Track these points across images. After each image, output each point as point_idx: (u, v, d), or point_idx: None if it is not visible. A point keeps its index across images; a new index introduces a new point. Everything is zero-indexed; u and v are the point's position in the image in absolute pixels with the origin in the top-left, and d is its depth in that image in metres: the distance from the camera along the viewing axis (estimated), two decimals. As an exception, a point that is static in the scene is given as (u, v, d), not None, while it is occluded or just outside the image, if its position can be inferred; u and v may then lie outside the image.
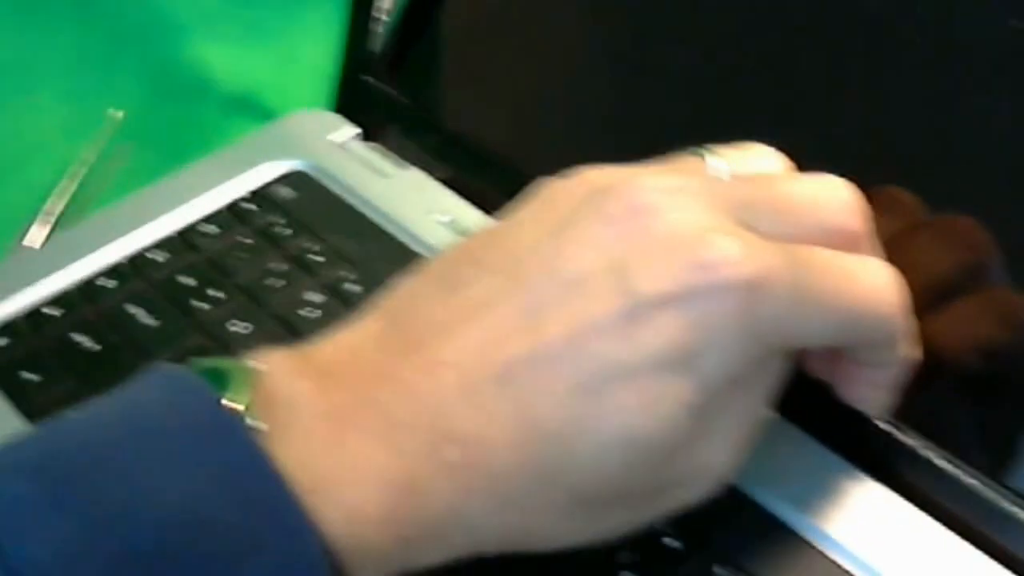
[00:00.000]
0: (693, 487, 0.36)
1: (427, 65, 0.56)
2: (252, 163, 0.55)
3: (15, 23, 0.69)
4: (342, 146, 0.56)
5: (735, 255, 0.34)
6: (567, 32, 0.51)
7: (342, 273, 0.49)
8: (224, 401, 0.33)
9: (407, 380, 0.34)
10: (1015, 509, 0.39)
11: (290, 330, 0.47)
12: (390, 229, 0.51)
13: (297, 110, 0.58)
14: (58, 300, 0.49)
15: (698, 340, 0.34)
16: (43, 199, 0.59)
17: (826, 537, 0.40)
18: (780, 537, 0.40)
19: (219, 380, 0.33)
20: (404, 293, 0.37)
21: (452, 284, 0.36)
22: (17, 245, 0.56)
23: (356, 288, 0.49)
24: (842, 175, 0.37)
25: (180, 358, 0.39)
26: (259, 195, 0.54)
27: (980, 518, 0.40)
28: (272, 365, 0.34)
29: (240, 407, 0.33)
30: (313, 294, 0.49)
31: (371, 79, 0.57)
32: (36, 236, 0.57)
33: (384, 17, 0.57)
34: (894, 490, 0.41)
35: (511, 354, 0.34)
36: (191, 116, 0.66)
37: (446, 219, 0.51)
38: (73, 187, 0.59)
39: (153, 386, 0.34)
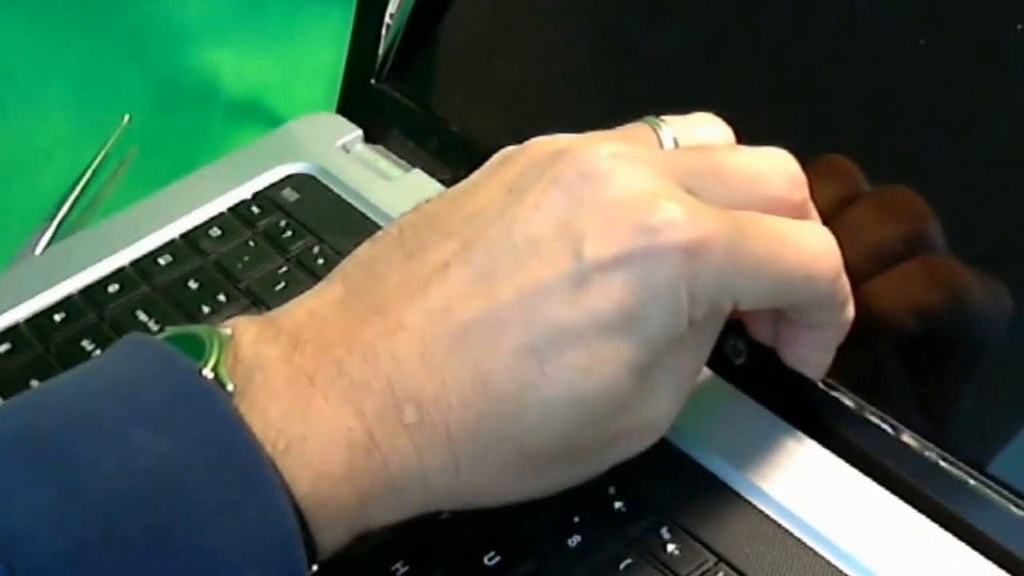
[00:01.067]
0: (636, 441, 0.38)
1: (431, 68, 0.56)
2: (258, 168, 0.55)
3: (25, 30, 0.69)
4: (346, 149, 0.56)
5: (678, 219, 0.35)
6: (570, 35, 0.51)
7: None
8: (194, 366, 0.34)
9: (368, 342, 0.35)
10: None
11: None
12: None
13: (303, 114, 0.58)
14: (65, 306, 0.50)
15: (642, 302, 0.35)
16: (51, 205, 0.59)
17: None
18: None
19: (189, 347, 0.35)
20: (364, 258, 0.38)
21: (410, 249, 0.37)
22: (25, 251, 0.57)
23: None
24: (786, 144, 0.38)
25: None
26: (262, 198, 0.54)
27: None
28: (239, 331, 0.36)
29: (210, 372, 0.34)
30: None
31: (376, 83, 0.57)
32: (43, 242, 0.57)
33: (389, 21, 0.57)
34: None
35: (466, 318, 0.35)
36: (198, 122, 0.67)
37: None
38: (80, 193, 0.60)
39: (125, 355, 0.35)
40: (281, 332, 0.36)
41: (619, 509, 0.41)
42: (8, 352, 0.48)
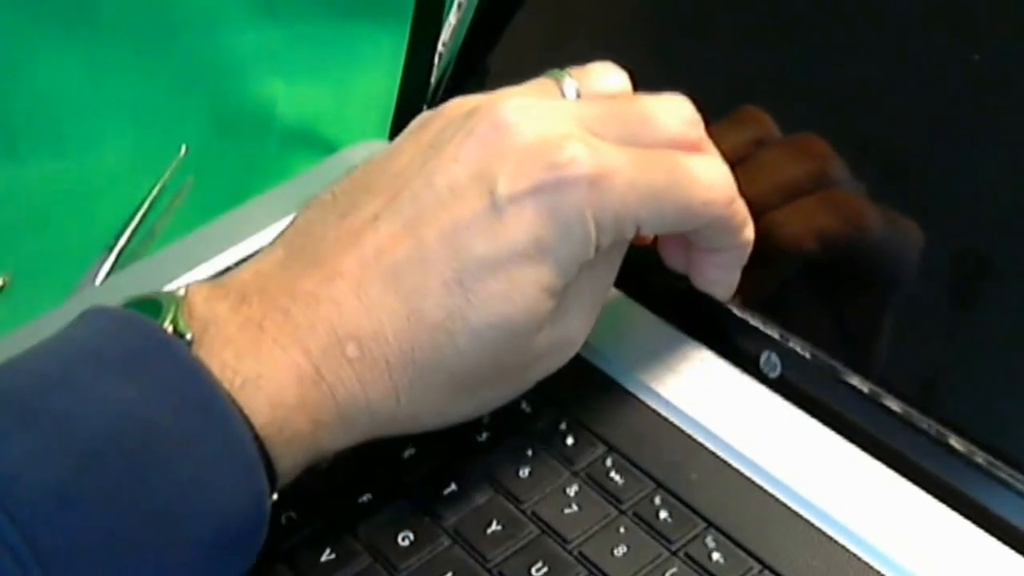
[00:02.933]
0: (555, 357, 0.43)
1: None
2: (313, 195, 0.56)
3: (83, 64, 0.71)
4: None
5: (581, 155, 0.40)
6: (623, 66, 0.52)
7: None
8: (154, 323, 0.38)
9: (310, 291, 0.39)
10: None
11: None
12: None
13: (356, 142, 0.59)
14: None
15: (553, 231, 0.40)
16: (110, 236, 0.60)
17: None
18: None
19: (148, 309, 0.38)
20: (303, 222, 0.42)
21: (342, 209, 0.41)
22: (85, 281, 0.58)
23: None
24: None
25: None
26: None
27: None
28: (192, 292, 0.39)
29: (169, 326, 0.38)
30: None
31: (428, 109, 0.57)
32: (103, 272, 0.58)
33: (442, 49, 0.58)
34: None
35: (396, 259, 0.39)
36: (253, 151, 0.68)
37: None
38: (139, 223, 0.60)
39: (89, 321, 0.39)
40: (230, 290, 0.40)
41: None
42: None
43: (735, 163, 0.43)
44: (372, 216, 0.40)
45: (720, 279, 0.45)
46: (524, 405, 0.45)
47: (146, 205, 0.61)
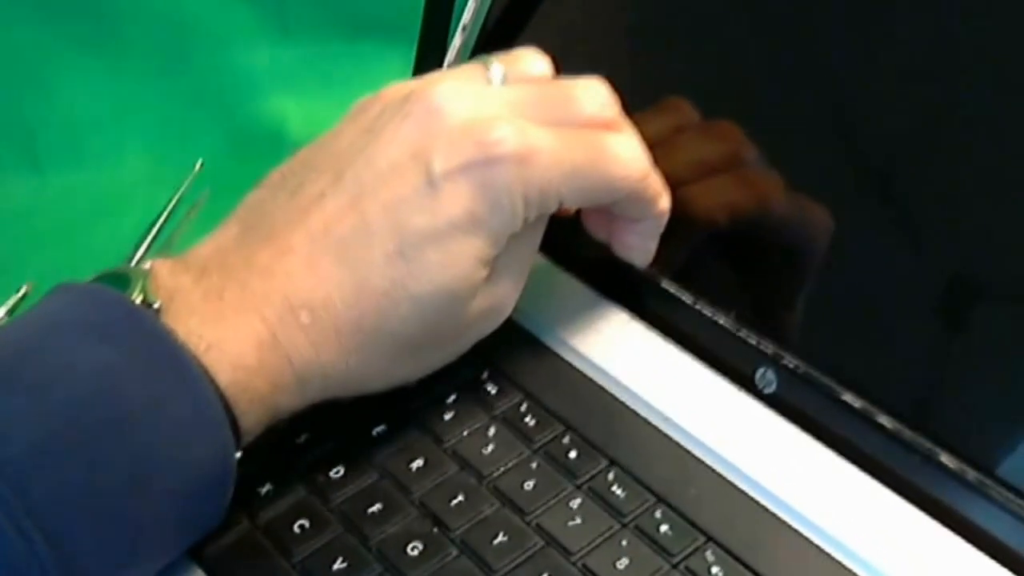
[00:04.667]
0: (489, 321, 0.46)
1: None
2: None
3: (104, 81, 0.72)
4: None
5: (509, 135, 0.43)
6: (633, 96, 0.54)
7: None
8: (122, 294, 0.41)
9: (264, 264, 0.43)
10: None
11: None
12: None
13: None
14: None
15: (485, 205, 0.43)
16: (129, 246, 0.61)
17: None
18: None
19: (116, 283, 0.42)
20: (254, 201, 0.45)
21: (291, 188, 0.45)
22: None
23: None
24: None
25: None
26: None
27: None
28: (157, 267, 0.43)
29: (138, 296, 0.41)
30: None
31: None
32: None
33: (448, 67, 0.59)
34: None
35: (342, 234, 0.43)
36: (267, 165, 0.68)
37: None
38: (157, 234, 0.62)
39: (60, 297, 0.42)
40: (191, 265, 0.43)
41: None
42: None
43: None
44: (319, 194, 0.44)
45: (639, 246, 0.48)
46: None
47: (163, 217, 0.62)
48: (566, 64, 0.48)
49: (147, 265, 0.43)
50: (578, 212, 0.49)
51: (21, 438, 0.37)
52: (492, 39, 0.57)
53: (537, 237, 0.47)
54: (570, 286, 0.53)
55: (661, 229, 0.48)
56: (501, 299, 0.46)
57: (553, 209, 0.45)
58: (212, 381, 0.40)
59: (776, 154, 0.48)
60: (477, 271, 0.44)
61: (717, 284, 0.49)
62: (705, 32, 0.52)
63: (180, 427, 0.40)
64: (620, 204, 0.47)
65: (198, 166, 0.65)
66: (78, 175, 0.71)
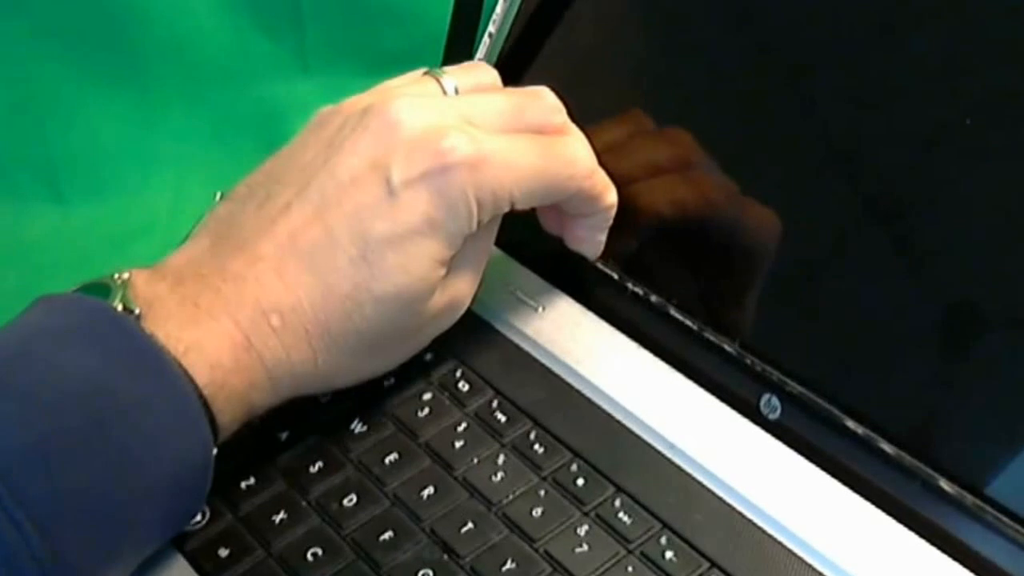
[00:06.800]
0: (447, 317, 0.49)
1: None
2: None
3: (127, 115, 0.74)
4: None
5: (461, 143, 0.46)
6: (657, 120, 0.54)
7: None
8: (104, 302, 0.43)
9: (236, 272, 0.45)
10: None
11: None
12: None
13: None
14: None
15: (441, 209, 0.46)
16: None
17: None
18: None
19: (97, 292, 0.44)
20: (223, 213, 0.48)
21: (259, 200, 0.47)
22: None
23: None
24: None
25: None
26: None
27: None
28: (135, 276, 0.45)
29: (118, 304, 0.43)
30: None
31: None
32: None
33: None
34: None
35: (309, 241, 0.45)
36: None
37: (523, 295, 0.55)
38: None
39: (43, 307, 0.44)
40: (167, 274, 0.45)
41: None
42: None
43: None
44: (285, 204, 0.46)
45: (589, 239, 0.51)
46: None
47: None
48: (593, 71, 0.49)
49: (125, 275, 0.45)
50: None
51: (13, 443, 0.39)
52: (510, 64, 0.58)
53: (491, 236, 0.50)
54: (584, 316, 0.53)
55: (609, 223, 0.51)
56: (459, 295, 0.49)
57: (505, 210, 0.48)
58: (191, 381, 0.42)
59: (782, 182, 0.49)
60: (435, 271, 0.47)
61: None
62: (714, 53, 0.53)
63: (162, 425, 0.42)
64: (569, 202, 0.50)
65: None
66: (100, 207, 0.72)
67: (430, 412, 0.50)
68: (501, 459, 0.48)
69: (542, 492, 0.47)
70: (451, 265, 0.48)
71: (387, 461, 0.48)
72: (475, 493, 0.47)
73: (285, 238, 0.45)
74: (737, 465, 0.47)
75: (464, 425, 0.49)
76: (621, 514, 0.45)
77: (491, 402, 0.50)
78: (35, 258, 0.70)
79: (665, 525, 0.45)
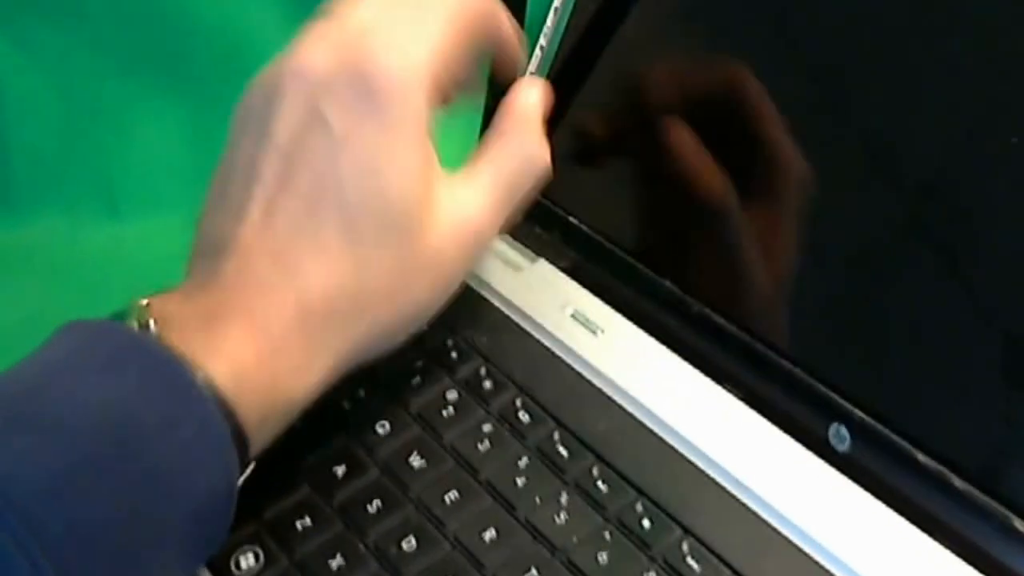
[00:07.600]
0: (464, 249, 0.48)
1: (554, 162, 0.58)
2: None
3: (183, 127, 0.74)
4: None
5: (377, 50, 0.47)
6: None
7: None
8: (124, 325, 0.43)
9: (233, 279, 0.45)
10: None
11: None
12: (521, 322, 0.55)
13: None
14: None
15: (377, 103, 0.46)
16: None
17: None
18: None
19: (115, 317, 0.43)
20: (208, 231, 0.48)
21: (233, 209, 0.47)
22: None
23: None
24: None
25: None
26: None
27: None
28: (148, 299, 0.44)
29: (136, 327, 0.43)
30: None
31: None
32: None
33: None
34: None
35: (292, 227, 0.45)
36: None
37: (571, 311, 0.54)
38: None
39: (64, 335, 0.43)
40: (176, 292, 0.45)
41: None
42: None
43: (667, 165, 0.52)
44: (263, 204, 0.46)
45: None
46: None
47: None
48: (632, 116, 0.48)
49: (144, 300, 0.45)
50: None
51: (31, 475, 0.39)
52: (566, 73, 0.58)
53: (502, 161, 0.51)
54: (644, 341, 0.53)
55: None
56: (470, 218, 0.48)
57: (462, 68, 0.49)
58: (215, 393, 0.42)
59: (853, 207, 0.48)
60: (422, 144, 0.47)
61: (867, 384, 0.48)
62: (766, 69, 0.52)
63: (187, 450, 0.41)
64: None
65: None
66: (156, 221, 0.72)
67: (491, 446, 0.49)
68: (564, 498, 0.47)
69: (606, 534, 0.46)
70: (456, 177, 0.49)
71: (446, 500, 0.48)
72: (539, 536, 0.46)
73: (270, 235, 0.45)
74: (808, 506, 0.46)
75: (525, 460, 0.49)
76: (688, 559, 0.45)
77: (552, 434, 0.49)
78: (91, 274, 0.70)
79: (736, 571, 0.45)
